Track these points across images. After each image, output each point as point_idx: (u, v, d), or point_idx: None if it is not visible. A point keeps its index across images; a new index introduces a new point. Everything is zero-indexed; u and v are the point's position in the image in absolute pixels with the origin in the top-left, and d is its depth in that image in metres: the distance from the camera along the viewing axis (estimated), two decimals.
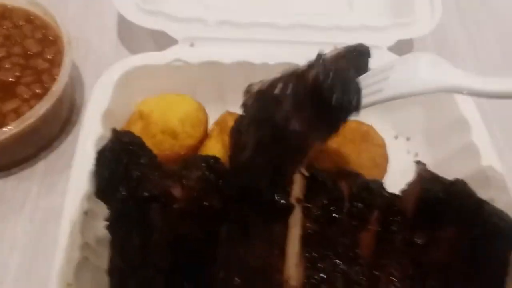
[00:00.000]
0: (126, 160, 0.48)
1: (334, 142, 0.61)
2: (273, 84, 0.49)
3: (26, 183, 0.67)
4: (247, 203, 0.48)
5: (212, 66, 0.68)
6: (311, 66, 0.46)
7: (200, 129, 0.62)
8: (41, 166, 0.68)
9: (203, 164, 0.51)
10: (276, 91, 0.47)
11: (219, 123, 0.62)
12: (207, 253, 0.50)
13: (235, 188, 0.48)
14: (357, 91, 0.45)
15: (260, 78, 0.69)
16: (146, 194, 0.48)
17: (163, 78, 0.67)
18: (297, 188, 0.48)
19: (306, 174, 0.49)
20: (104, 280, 0.49)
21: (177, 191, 0.49)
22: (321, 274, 0.51)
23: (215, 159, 0.52)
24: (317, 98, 0.43)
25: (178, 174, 0.50)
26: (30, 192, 0.66)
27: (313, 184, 0.50)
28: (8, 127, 0.58)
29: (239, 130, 0.48)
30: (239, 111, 0.66)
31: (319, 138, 0.47)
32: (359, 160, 0.60)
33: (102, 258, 0.53)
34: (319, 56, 0.47)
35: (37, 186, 0.67)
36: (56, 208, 0.63)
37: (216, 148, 0.59)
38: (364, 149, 0.60)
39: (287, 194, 0.46)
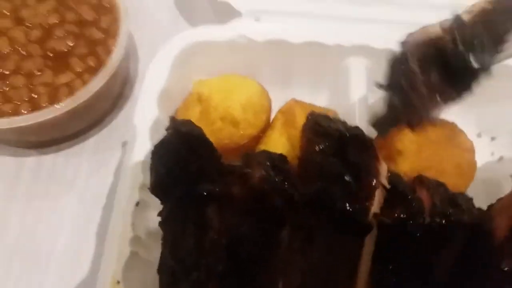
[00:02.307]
0: (184, 154, 0.44)
1: (413, 142, 0.54)
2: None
3: (76, 159, 0.65)
4: (316, 211, 0.44)
5: (278, 45, 0.62)
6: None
7: (263, 117, 0.57)
8: (91, 142, 0.66)
9: (268, 163, 0.46)
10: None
11: (284, 112, 0.56)
12: (265, 258, 0.47)
13: (306, 194, 0.44)
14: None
15: (332, 62, 0.63)
16: (205, 192, 0.44)
17: (223, 56, 0.63)
18: (377, 202, 0.42)
19: (387, 185, 0.43)
20: (153, 275, 0.47)
21: (237, 190, 0.45)
22: None
23: (282, 158, 0.47)
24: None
25: (240, 172, 0.46)
26: (80, 170, 0.64)
27: (392, 194, 0.45)
28: (61, 104, 0.55)
29: (320, 128, 0.43)
30: (305, 98, 0.61)
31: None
32: (441, 166, 0.53)
33: (152, 252, 0.51)
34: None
35: (87, 163, 0.65)
36: (107, 187, 0.62)
37: (280, 142, 0.54)
38: (449, 153, 0.53)
39: (366, 210, 0.41)
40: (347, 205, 0.41)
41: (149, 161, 0.45)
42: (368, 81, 0.61)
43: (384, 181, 0.43)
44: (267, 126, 0.58)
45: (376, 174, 0.42)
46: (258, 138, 0.57)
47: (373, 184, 0.41)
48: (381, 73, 0.63)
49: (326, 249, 0.44)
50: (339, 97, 0.63)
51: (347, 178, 0.41)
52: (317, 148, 0.43)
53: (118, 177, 0.57)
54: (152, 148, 0.44)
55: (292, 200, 0.45)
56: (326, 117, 0.45)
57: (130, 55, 0.71)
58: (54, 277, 0.56)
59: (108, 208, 0.60)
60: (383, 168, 0.43)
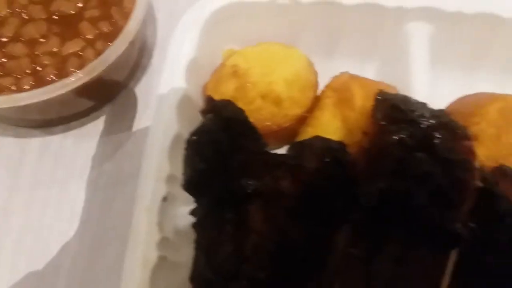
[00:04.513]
0: (226, 144, 0.37)
1: (493, 126, 0.46)
2: None
3: (88, 141, 0.57)
4: (387, 215, 0.36)
5: (326, 6, 0.53)
6: None
7: (310, 94, 0.49)
8: (105, 121, 0.59)
9: (324, 152, 0.39)
10: None
11: (337, 89, 0.48)
12: (316, 266, 0.40)
13: (373, 194, 0.36)
14: None
15: (389, 27, 0.54)
16: (248, 190, 0.38)
17: (260, 21, 0.54)
18: (467, 207, 0.35)
19: (480, 184, 0.35)
20: (181, 278, 0.41)
21: (286, 185, 0.38)
22: None
23: (342, 147, 0.40)
24: None
25: (290, 164, 0.39)
26: (93, 152, 0.57)
27: (481, 196, 0.37)
28: (71, 79, 0.47)
29: (399, 113, 0.35)
30: (352, 70, 0.53)
31: None
32: None
33: (181, 254, 0.44)
34: None
35: (101, 145, 0.57)
36: (124, 173, 0.55)
37: (332, 125, 0.46)
38: None
39: (459, 217, 0.33)
40: (436, 210, 0.33)
41: (181, 150, 0.38)
42: (432, 52, 0.52)
43: (477, 180, 0.35)
44: (314, 104, 0.50)
45: (474, 173, 0.34)
46: (303, 119, 0.49)
47: (471, 185, 0.33)
48: (447, 42, 0.55)
49: (397, 260, 0.37)
50: (394, 71, 0.55)
51: (437, 177, 0.33)
52: (395, 138, 0.35)
53: (137, 162, 0.49)
54: (188, 137, 0.36)
55: (355, 200, 0.38)
56: (405, 99, 0.36)
57: (146, 18, 0.62)
58: (64, 280, 0.49)
59: (127, 198, 0.52)
60: (478, 165, 0.35)
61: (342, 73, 0.50)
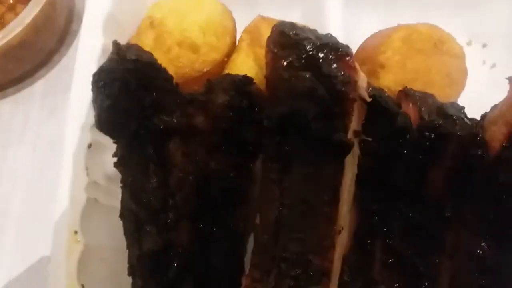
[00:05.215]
0: (134, 83, 0.39)
1: (397, 53, 0.50)
2: None
3: (25, 106, 0.59)
4: (289, 136, 0.39)
5: None
6: None
7: (226, 39, 0.51)
8: (40, 86, 0.61)
9: (231, 87, 0.42)
10: None
11: (250, 31, 0.51)
12: (239, 193, 0.43)
13: (274, 117, 0.39)
14: None
15: None
16: (162, 126, 0.40)
17: None
18: (356, 118, 0.38)
19: (368, 99, 0.38)
20: (117, 221, 0.43)
21: (200, 121, 0.41)
22: (376, 218, 0.44)
23: (247, 79, 0.42)
24: None
25: (201, 100, 0.42)
26: (30, 117, 0.59)
27: (373, 110, 0.40)
28: None
29: (286, 38, 0.37)
30: (275, 15, 0.55)
31: None
32: (429, 76, 0.49)
33: (115, 197, 0.46)
34: None
35: (37, 110, 0.59)
36: (61, 135, 0.57)
37: (246, 64, 0.49)
38: (437, 62, 0.49)
39: (345, 127, 0.36)
40: (323, 123, 0.36)
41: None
42: None
43: (364, 93, 0.38)
44: (232, 50, 0.52)
45: (354, 86, 0.37)
46: (223, 63, 0.52)
47: (351, 96, 0.36)
48: None
49: (304, 176, 0.40)
50: (313, 14, 0.57)
51: (320, 92, 0.36)
52: (284, 62, 0.37)
53: None
54: (92, 78, 0.38)
55: (262, 127, 0.41)
56: (292, 25, 0.39)
57: None
58: (11, 232, 0.53)
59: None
60: (362, 79, 0.38)
61: (256, 17, 0.53)
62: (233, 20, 0.54)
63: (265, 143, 0.41)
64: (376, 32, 0.55)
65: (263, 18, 0.51)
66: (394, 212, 0.43)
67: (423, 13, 0.60)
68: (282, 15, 0.56)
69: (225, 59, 0.52)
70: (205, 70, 0.51)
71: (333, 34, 0.42)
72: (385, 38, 0.51)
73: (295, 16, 0.60)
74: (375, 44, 0.52)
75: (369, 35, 0.56)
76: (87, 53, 0.48)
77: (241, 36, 0.53)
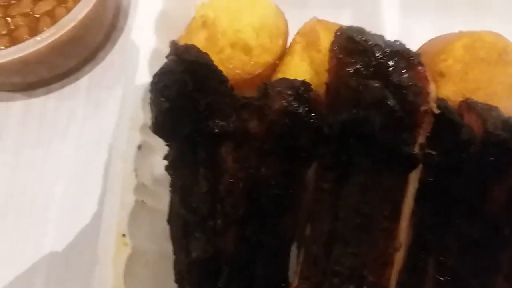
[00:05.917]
0: (190, 85, 0.38)
1: (459, 62, 0.47)
2: None
3: (70, 101, 0.59)
4: (350, 145, 0.38)
5: None
6: None
7: (279, 41, 0.50)
8: (85, 81, 0.60)
9: (289, 92, 0.40)
10: None
11: (305, 34, 0.49)
12: (289, 201, 0.42)
13: (335, 125, 0.37)
14: None
15: None
16: (216, 130, 0.39)
17: None
18: (423, 131, 0.36)
19: (436, 110, 0.36)
20: (163, 225, 0.42)
21: (254, 126, 0.40)
22: (431, 234, 0.42)
23: (306, 85, 0.41)
24: None
25: (256, 104, 0.40)
26: (74, 113, 0.58)
27: (438, 122, 0.38)
28: (43, 35, 0.48)
29: (353, 44, 0.36)
30: (330, 18, 0.53)
31: None
32: (492, 87, 0.46)
33: (161, 200, 0.46)
34: None
35: (82, 105, 0.59)
36: (106, 131, 0.57)
37: (301, 68, 0.47)
38: (500, 72, 0.46)
39: (413, 140, 0.35)
40: (391, 134, 0.35)
41: (149, 96, 0.39)
42: None
43: (433, 105, 0.36)
44: (284, 52, 0.51)
45: (426, 97, 0.35)
46: (274, 66, 0.51)
47: (422, 108, 0.34)
48: None
49: (363, 188, 0.38)
50: (367, 17, 0.55)
51: (390, 102, 0.34)
52: (351, 69, 0.36)
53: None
54: (151, 79, 0.37)
55: (320, 134, 0.39)
56: (360, 31, 0.37)
57: None
58: (52, 232, 0.52)
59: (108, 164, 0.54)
60: (432, 90, 0.36)
61: (311, 19, 0.51)
62: (286, 21, 0.53)
63: (320, 151, 0.40)
64: (434, 38, 0.53)
65: (320, 21, 0.49)
66: (450, 228, 0.42)
67: (480, 20, 0.58)
68: (333, 17, 0.54)
69: (277, 62, 0.51)
70: (256, 72, 0.50)
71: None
72: (446, 45, 0.49)
73: (346, 18, 0.58)
74: (435, 51, 0.50)
75: (424, 41, 0.54)
76: (138, 53, 0.47)
77: (294, 39, 0.51)
